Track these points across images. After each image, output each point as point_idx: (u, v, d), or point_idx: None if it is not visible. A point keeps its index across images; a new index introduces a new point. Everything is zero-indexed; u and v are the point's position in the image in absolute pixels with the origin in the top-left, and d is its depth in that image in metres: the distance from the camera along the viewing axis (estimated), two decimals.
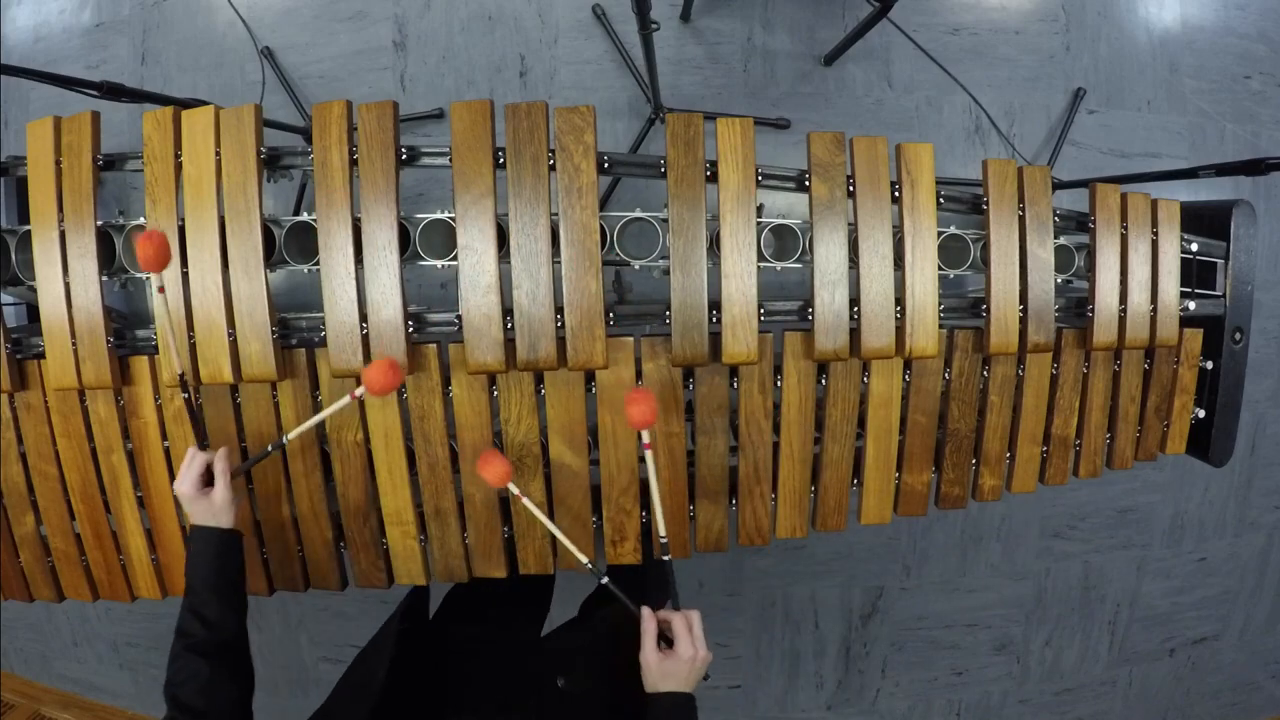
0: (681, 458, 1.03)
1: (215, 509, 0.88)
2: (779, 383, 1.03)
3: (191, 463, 0.89)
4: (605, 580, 0.87)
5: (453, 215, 0.95)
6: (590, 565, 0.87)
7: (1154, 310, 1.13)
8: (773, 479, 1.06)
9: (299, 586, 1.07)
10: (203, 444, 0.93)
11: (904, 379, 1.06)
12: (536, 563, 1.05)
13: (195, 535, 0.87)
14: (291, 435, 0.92)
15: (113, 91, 1.14)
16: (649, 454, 0.89)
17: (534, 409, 1.00)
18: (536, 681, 0.94)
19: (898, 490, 1.11)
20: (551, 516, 1.04)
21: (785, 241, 1.07)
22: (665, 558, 0.91)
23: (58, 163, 0.96)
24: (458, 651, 0.99)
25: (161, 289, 0.87)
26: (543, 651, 1.07)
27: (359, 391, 0.88)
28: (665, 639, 0.86)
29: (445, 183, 0.99)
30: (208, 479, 0.90)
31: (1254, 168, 1.19)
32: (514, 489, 0.87)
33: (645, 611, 0.86)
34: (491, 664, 0.98)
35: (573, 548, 0.87)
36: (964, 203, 1.09)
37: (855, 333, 1.00)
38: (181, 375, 0.91)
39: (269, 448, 0.95)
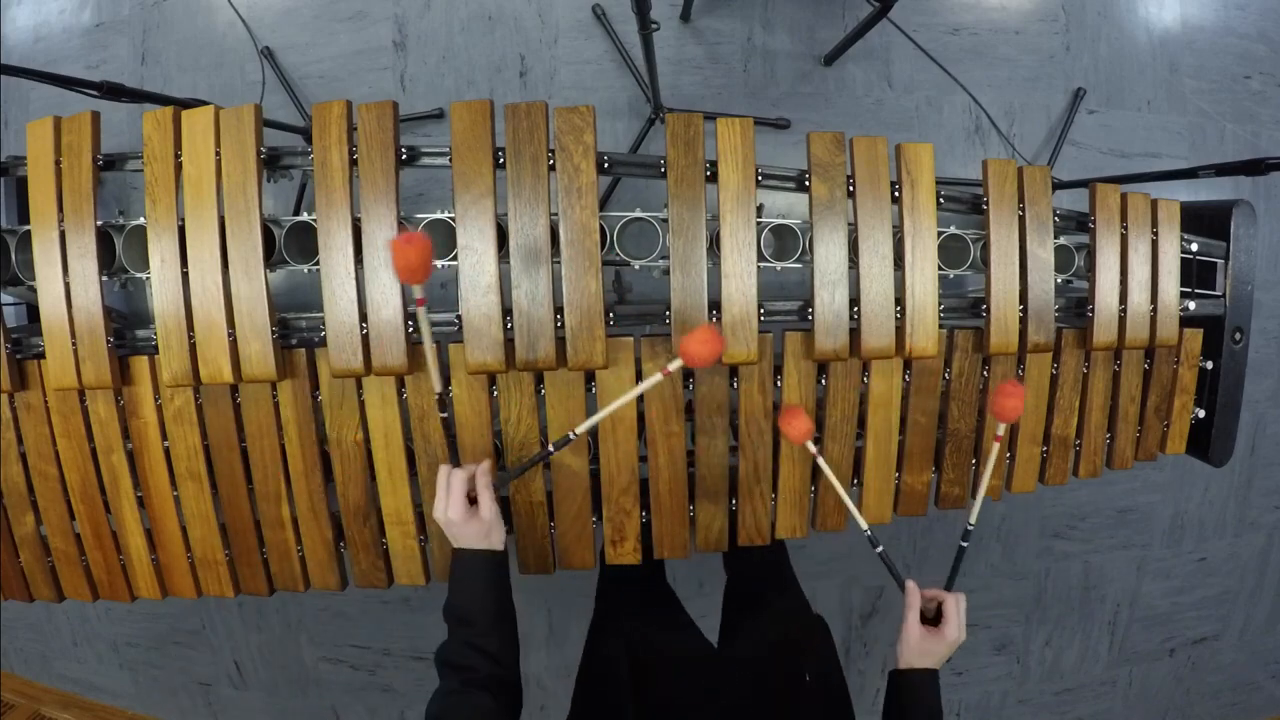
0: (681, 458, 1.03)
1: (487, 529, 0.81)
2: (779, 383, 1.03)
3: (451, 483, 0.82)
4: (880, 550, 0.90)
5: (453, 215, 0.95)
6: (868, 533, 0.91)
7: (1154, 310, 1.13)
8: (773, 479, 1.06)
9: (299, 586, 1.07)
10: (455, 461, 0.87)
11: (904, 379, 1.06)
12: (536, 563, 1.05)
13: (468, 561, 0.80)
14: (581, 429, 0.84)
15: (113, 91, 1.14)
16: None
17: (534, 409, 1.00)
18: (775, 690, 0.91)
19: (898, 490, 1.11)
20: (551, 516, 1.04)
21: (785, 241, 1.07)
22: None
23: (58, 163, 0.96)
24: (663, 672, 0.95)
25: (422, 300, 0.78)
26: (746, 659, 1.03)
27: (673, 366, 0.81)
28: (925, 617, 0.86)
29: (445, 183, 0.99)
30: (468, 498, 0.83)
31: (1254, 168, 1.19)
32: (812, 448, 0.92)
33: (911, 585, 0.86)
34: (703, 680, 0.95)
35: (856, 513, 0.93)
36: (964, 203, 1.08)
37: (855, 333, 1.00)
38: (439, 395, 0.85)
39: (551, 448, 0.86)
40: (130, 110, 1.25)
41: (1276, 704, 2.46)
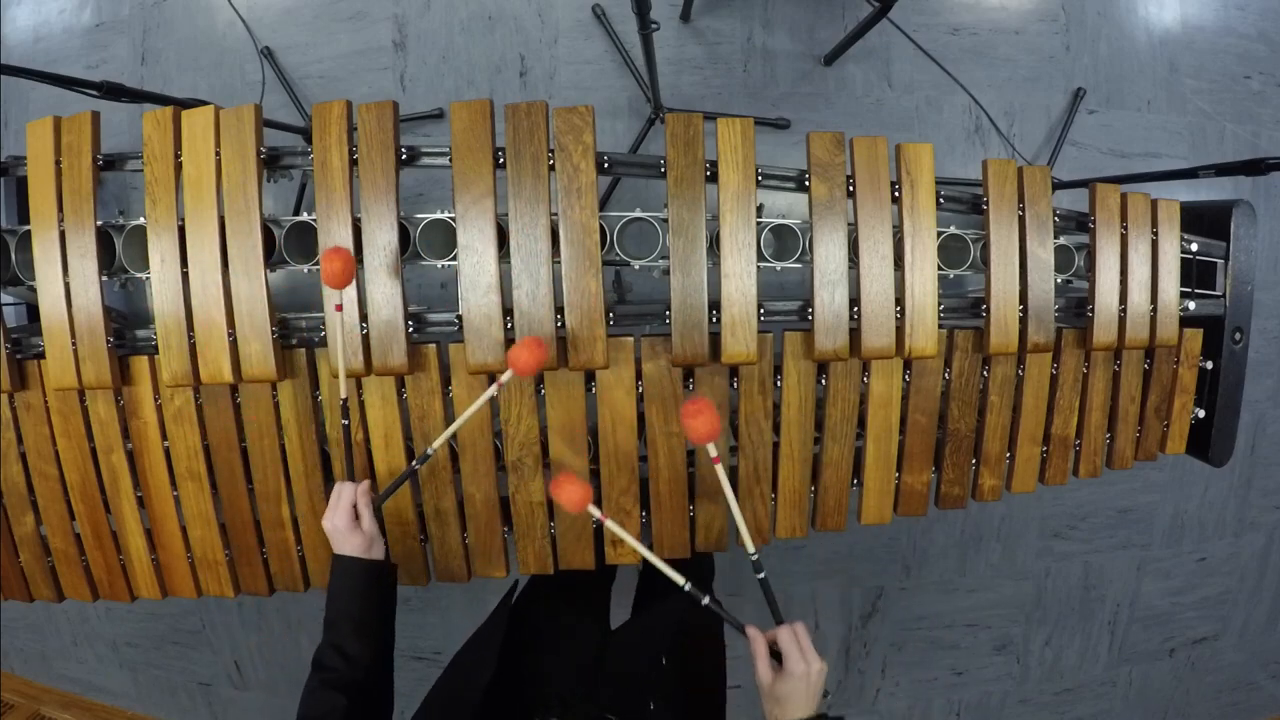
0: (681, 458, 1.03)
1: (369, 541, 0.87)
2: (779, 383, 1.03)
3: (341, 496, 0.88)
4: (706, 601, 0.82)
5: (453, 215, 0.95)
6: (688, 587, 0.81)
7: (1154, 310, 1.13)
8: (773, 479, 1.06)
9: (299, 586, 1.07)
10: (350, 475, 0.94)
11: (904, 379, 1.06)
12: (536, 563, 1.05)
13: (342, 566, 0.86)
14: (436, 444, 0.91)
15: (113, 91, 1.14)
16: (719, 467, 0.82)
17: (534, 409, 1.00)
18: (618, 680, 0.94)
19: (898, 490, 1.11)
20: (551, 516, 1.04)
21: (785, 241, 1.07)
22: (760, 575, 0.85)
23: (58, 163, 0.96)
24: (536, 647, 0.99)
25: (340, 307, 0.91)
26: (618, 648, 1.05)
27: (505, 377, 0.87)
28: (775, 656, 0.81)
29: (445, 183, 0.99)
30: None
31: (1254, 168, 1.19)
32: (595, 512, 0.82)
33: (752, 632, 0.81)
34: (570, 661, 0.98)
35: (668, 569, 0.81)
36: (964, 203, 1.08)
37: (855, 333, 1.00)
38: (344, 400, 0.92)
39: (414, 464, 0.93)
40: (130, 110, 1.25)
41: (1276, 704, 2.46)
